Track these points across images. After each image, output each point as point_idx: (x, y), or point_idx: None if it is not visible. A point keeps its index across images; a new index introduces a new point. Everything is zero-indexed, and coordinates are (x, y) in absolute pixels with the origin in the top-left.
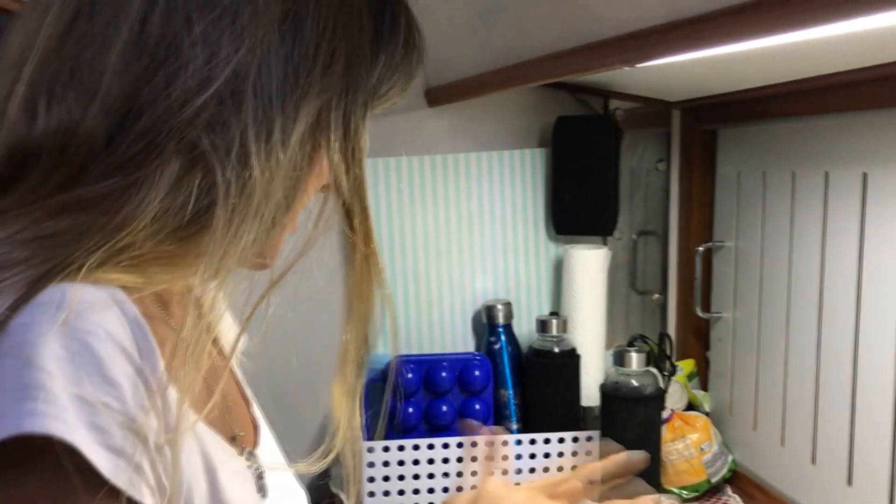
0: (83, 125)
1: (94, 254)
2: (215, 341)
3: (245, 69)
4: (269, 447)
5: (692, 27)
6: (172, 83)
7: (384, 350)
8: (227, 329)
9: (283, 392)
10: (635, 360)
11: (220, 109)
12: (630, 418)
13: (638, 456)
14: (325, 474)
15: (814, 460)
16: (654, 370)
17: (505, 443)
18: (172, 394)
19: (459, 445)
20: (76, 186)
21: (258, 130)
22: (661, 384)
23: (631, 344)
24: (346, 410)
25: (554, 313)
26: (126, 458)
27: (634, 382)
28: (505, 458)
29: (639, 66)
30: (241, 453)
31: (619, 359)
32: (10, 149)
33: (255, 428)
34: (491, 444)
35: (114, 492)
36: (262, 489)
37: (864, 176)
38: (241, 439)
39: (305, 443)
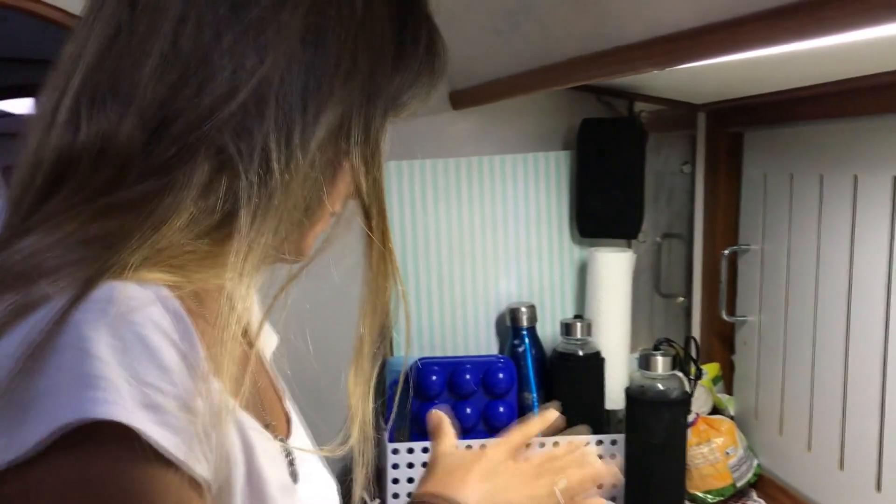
0: (121, 132)
1: (136, 253)
2: (246, 334)
3: (268, 79)
4: (300, 439)
5: (727, 31)
6: (202, 91)
7: (409, 353)
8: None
9: (308, 383)
10: (661, 363)
11: (245, 116)
12: (656, 422)
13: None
14: (348, 475)
15: (841, 465)
16: (680, 374)
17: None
18: (213, 381)
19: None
20: (116, 189)
21: (279, 136)
22: (687, 388)
23: (656, 347)
24: (361, 398)
25: (578, 316)
26: (181, 434)
27: (660, 386)
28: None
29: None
30: (274, 439)
31: (645, 362)
32: (57, 155)
33: (288, 420)
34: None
35: (173, 465)
36: (293, 474)
37: (895, 180)
38: (274, 428)
39: (332, 431)
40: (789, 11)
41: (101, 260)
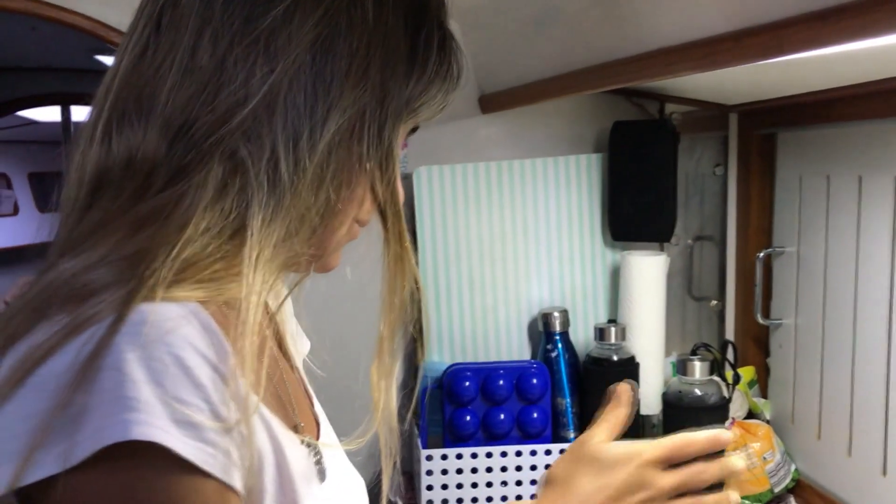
0: (146, 142)
1: (167, 268)
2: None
3: (278, 85)
4: (329, 441)
5: (770, 34)
6: (216, 99)
7: (440, 358)
8: (288, 328)
9: (333, 381)
10: (699, 368)
11: (255, 121)
12: (693, 428)
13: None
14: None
15: (884, 471)
16: (718, 379)
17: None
18: (242, 384)
19: (518, 454)
20: (144, 197)
21: (287, 139)
22: (725, 393)
23: (693, 352)
24: (383, 392)
25: (612, 321)
26: (217, 447)
27: (698, 391)
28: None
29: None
30: (301, 442)
31: (682, 367)
32: (94, 172)
33: (317, 424)
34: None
35: (209, 476)
36: (321, 472)
37: None
38: (303, 429)
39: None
40: (838, 13)
41: (136, 279)
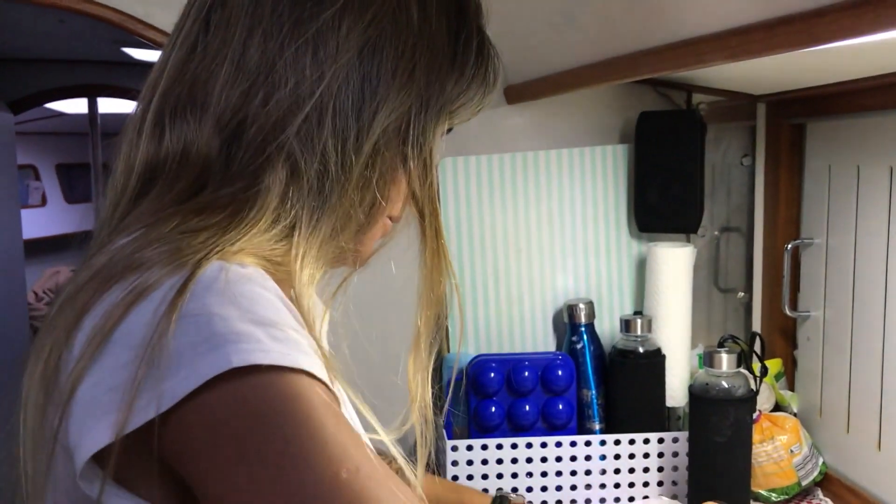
0: (200, 137)
1: (235, 245)
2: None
3: (329, 90)
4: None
5: (804, 23)
6: (269, 101)
7: (465, 349)
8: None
9: (370, 370)
10: (725, 361)
11: (308, 125)
12: (720, 420)
13: None
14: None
15: None
16: (745, 371)
17: None
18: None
19: (543, 445)
20: (200, 190)
21: (336, 141)
22: (753, 385)
23: (721, 344)
24: (420, 384)
25: (638, 312)
26: (309, 355)
27: (725, 384)
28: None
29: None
30: None
31: (709, 360)
32: (146, 161)
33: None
34: None
35: (312, 376)
36: None
37: None
38: None
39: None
40: (875, 1)
41: (206, 247)
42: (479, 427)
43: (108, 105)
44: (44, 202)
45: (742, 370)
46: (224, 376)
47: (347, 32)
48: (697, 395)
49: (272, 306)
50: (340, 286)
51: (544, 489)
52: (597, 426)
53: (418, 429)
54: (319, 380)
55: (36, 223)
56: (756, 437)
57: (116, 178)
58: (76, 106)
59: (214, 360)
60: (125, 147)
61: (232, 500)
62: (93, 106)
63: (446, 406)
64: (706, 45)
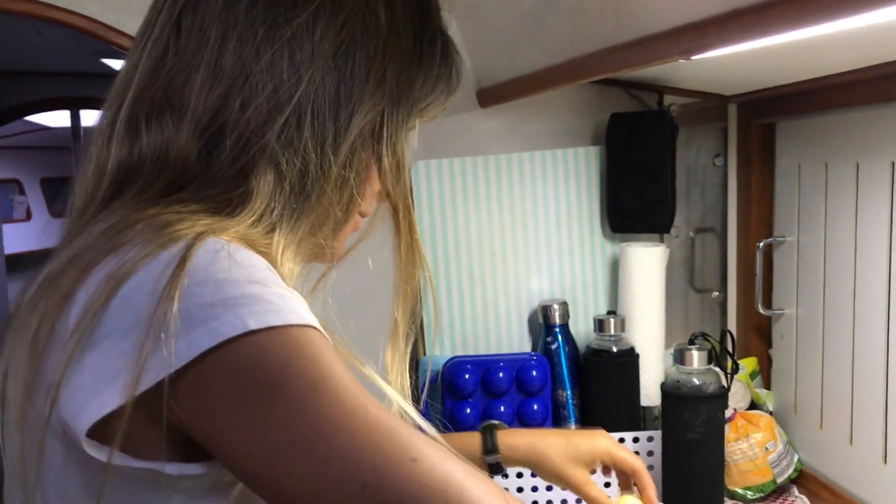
0: (178, 139)
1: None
2: None
3: (306, 95)
4: None
5: (754, 15)
6: (248, 106)
7: (440, 352)
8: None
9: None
10: (696, 358)
11: (288, 129)
12: (692, 417)
13: None
14: None
15: (885, 460)
16: (716, 368)
17: None
18: None
19: None
20: (179, 192)
21: (315, 143)
22: (724, 382)
23: (691, 342)
24: (399, 374)
25: (611, 312)
26: (305, 309)
27: (696, 381)
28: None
29: (695, 58)
30: None
31: (680, 357)
32: (119, 164)
33: None
34: None
35: (313, 328)
36: None
37: None
38: None
39: None
40: None
41: (199, 226)
42: (454, 428)
43: (91, 117)
44: (28, 216)
45: (713, 367)
46: (239, 336)
47: (321, 36)
48: (669, 392)
49: (270, 270)
50: (319, 281)
51: (520, 490)
52: (572, 426)
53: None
54: (320, 331)
55: (20, 237)
56: (731, 435)
57: (87, 180)
58: (59, 119)
59: (230, 321)
60: (95, 150)
61: (259, 447)
62: (75, 119)
63: (421, 408)
64: (664, 41)
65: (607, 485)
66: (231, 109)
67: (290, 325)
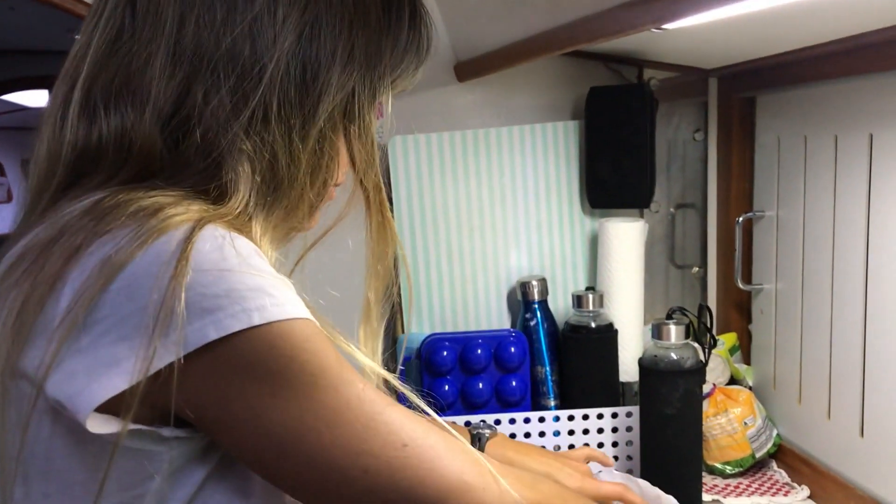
0: (141, 131)
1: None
2: None
3: (271, 83)
4: None
5: None
6: (211, 99)
7: (418, 329)
8: None
9: None
10: (674, 332)
11: (254, 121)
12: (670, 392)
13: None
14: None
15: (862, 433)
16: (694, 343)
17: None
18: None
19: (497, 423)
20: (149, 180)
21: (282, 130)
22: (702, 357)
23: (669, 316)
24: (372, 352)
25: (590, 288)
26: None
27: (674, 356)
28: None
29: (671, 27)
30: None
31: (657, 332)
32: (75, 148)
33: None
34: None
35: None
36: None
37: None
38: None
39: None
40: None
41: (193, 211)
42: (432, 406)
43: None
44: (9, 198)
45: (691, 342)
46: (244, 329)
47: (284, 19)
48: (647, 367)
49: (263, 258)
50: (297, 264)
51: None
52: (552, 403)
53: None
54: (314, 322)
55: (1, 219)
56: (710, 410)
57: (40, 166)
58: (38, 99)
59: (236, 314)
60: (48, 132)
61: (265, 438)
62: None
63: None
64: (635, 8)
65: None
66: (194, 100)
67: (291, 319)
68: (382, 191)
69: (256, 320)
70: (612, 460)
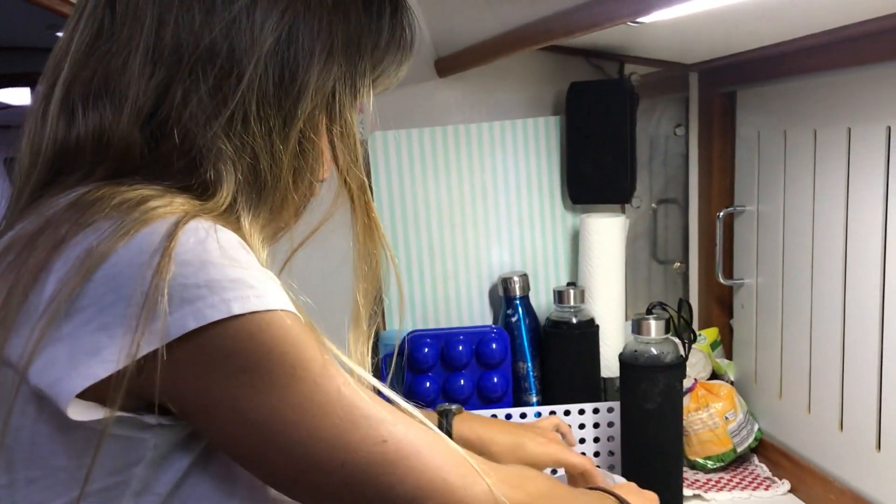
0: (118, 129)
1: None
2: None
3: (250, 86)
4: None
5: None
6: (190, 101)
7: (400, 325)
8: None
9: None
10: (654, 327)
11: (234, 124)
12: (650, 387)
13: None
14: None
15: (841, 427)
16: (674, 338)
17: None
18: None
19: None
20: (125, 177)
21: (262, 133)
22: (682, 352)
23: (649, 312)
24: (361, 356)
25: (571, 284)
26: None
27: (654, 350)
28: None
29: (648, 21)
30: None
31: (638, 327)
32: (54, 146)
33: None
34: None
35: (293, 314)
36: None
37: (889, 130)
38: None
39: None
40: None
41: (178, 203)
42: (413, 403)
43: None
44: None
45: (671, 337)
46: (224, 319)
47: (263, 21)
48: (627, 362)
49: (248, 251)
50: (285, 265)
51: None
52: (533, 398)
53: None
54: (296, 315)
55: None
56: (691, 405)
57: (23, 163)
58: (20, 97)
59: (215, 304)
60: (29, 130)
61: (244, 429)
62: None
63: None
64: (610, 2)
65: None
66: (173, 100)
67: (272, 311)
68: (367, 191)
69: (236, 310)
70: (575, 438)
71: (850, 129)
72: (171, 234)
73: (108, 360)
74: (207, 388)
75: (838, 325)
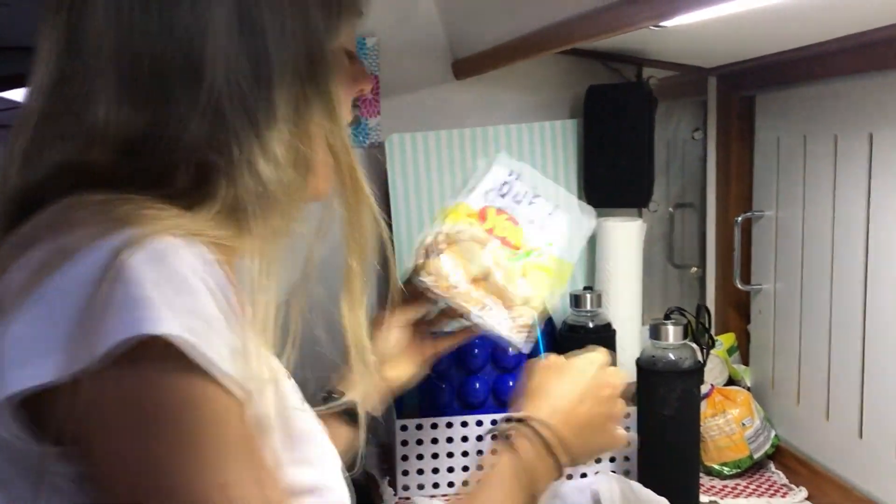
0: (89, 154)
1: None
2: None
3: (217, 92)
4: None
5: None
6: (164, 118)
7: None
8: None
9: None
10: (672, 332)
11: (213, 133)
12: (668, 393)
13: None
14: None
15: (861, 434)
16: (692, 343)
17: None
18: (244, 321)
19: (493, 423)
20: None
21: (249, 136)
22: (700, 357)
23: (667, 317)
24: (354, 322)
25: (588, 288)
26: (214, 349)
27: (672, 356)
28: None
29: (669, 25)
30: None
31: (655, 332)
32: (29, 185)
33: None
34: None
35: (211, 378)
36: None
37: None
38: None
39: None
40: None
41: (146, 218)
42: (428, 405)
43: None
44: None
45: (689, 342)
46: (135, 349)
47: (210, 19)
48: (644, 367)
49: (187, 288)
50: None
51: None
52: None
53: (357, 368)
54: (221, 383)
55: None
56: (708, 410)
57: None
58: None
59: (124, 326)
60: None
61: (113, 470)
62: None
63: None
64: (636, 4)
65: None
66: (148, 125)
67: (183, 363)
68: (351, 154)
69: (146, 329)
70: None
71: (871, 135)
72: (124, 251)
73: (34, 376)
74: (106, 428)
75: (858, 331)
